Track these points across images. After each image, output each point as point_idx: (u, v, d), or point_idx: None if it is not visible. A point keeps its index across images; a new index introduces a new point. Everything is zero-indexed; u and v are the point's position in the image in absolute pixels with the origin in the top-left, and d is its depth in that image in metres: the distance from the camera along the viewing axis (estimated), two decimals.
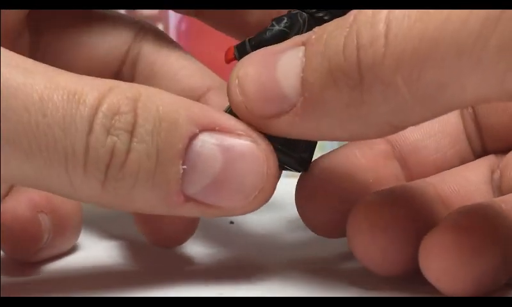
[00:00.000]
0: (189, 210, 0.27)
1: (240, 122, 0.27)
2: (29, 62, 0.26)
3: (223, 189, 0.26)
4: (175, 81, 0.34)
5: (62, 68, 0.26)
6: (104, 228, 0.36)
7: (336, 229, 0.30)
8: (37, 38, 0.34)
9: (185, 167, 0.26)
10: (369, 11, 0.24)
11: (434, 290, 0.26)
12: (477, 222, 0.26)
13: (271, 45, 0.28)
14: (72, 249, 0.34)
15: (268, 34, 0.29)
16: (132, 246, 0.33)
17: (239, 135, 0.27)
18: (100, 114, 0.25)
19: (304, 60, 0.26)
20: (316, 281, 0.30)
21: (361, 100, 0.25)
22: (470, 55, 0.22)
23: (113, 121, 0.25)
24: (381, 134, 0.26)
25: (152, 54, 0.35)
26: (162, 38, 0.36)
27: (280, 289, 0.29)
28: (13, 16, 0.31)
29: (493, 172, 0.31)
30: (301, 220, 0.38)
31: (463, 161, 0.33)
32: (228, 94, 0.27)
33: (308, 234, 0.35)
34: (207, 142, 0.26)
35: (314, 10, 0.29)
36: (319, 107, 0.26)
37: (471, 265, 0.25)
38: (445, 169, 0.32)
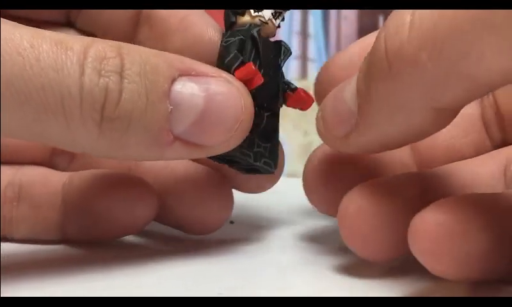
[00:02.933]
0: (177, 151, 0.28)
1: (214, 67, 0.29)
2: (12, 22, 0.27)
3: (206, 126, 0.28)
4: None
5: None
6: None
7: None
8: None
9: (171, 107, 0.28)
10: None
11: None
12: (469, 206, 0.26)
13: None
14: (71, 249, 0.34)
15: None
16: (130, 246, 0.34)
17: (213, 77, 0.28)
18: (88, 59, 0.27)
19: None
20: (316, 280, 0.30)
21: (395, 88, 0.26)
22: (483, 22, 0.23)
23: (102, 65, 0.27)
24: (430, 123, 0.27)
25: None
26: None
27: (280, 289, 0.29)
28: None
29: (509, 164, 0.31)
30: (299, 220, 0.38)
31: (478, 149, 0.33)
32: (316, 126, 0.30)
33: (307, 234, 0.35)
34: (186, 83, 0.28)
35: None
36: (369, 109, 0.27)
37: (457, 247, 0.26)
38: (458, 157, 0.33)
